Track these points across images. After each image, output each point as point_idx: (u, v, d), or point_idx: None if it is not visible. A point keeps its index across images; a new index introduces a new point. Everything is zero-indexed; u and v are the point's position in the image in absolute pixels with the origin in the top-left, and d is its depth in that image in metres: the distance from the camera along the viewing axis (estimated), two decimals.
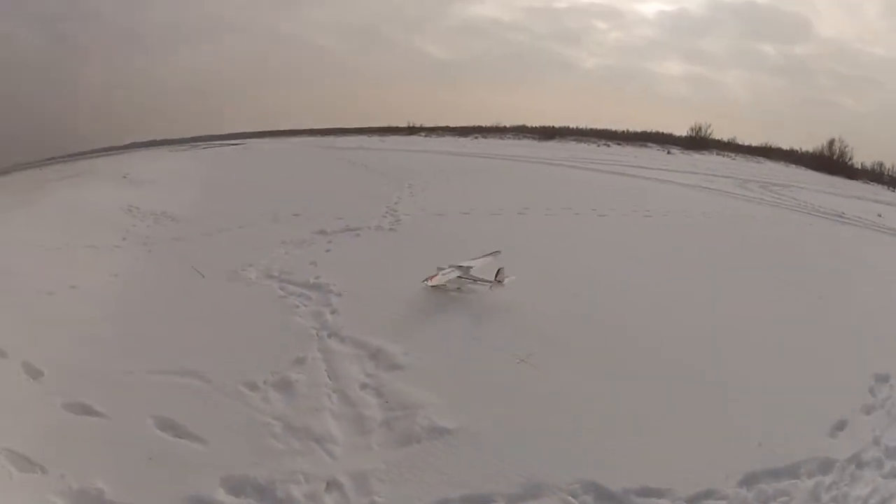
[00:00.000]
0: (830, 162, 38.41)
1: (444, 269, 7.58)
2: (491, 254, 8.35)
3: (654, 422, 4.86)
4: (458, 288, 7.67)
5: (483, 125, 49.16)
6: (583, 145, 40.99)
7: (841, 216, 16.14)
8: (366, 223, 11.72)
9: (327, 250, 9.80)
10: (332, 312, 7.04)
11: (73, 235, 10.70)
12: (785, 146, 42.20)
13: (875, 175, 36.57)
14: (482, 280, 7.57)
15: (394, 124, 50.00)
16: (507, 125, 48.76)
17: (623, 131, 46.14)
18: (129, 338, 6.43)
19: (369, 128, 48.20)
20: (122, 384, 5.38)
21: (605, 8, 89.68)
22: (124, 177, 18.35)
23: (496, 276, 7.43)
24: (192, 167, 22.84)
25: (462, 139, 43.34)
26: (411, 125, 50.01)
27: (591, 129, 46.06)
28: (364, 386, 5.38)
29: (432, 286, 7.49)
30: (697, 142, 42.54)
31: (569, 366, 5.71)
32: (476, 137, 45.15)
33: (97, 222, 11.92)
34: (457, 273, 7.57)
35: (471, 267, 7.75)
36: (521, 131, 47.44)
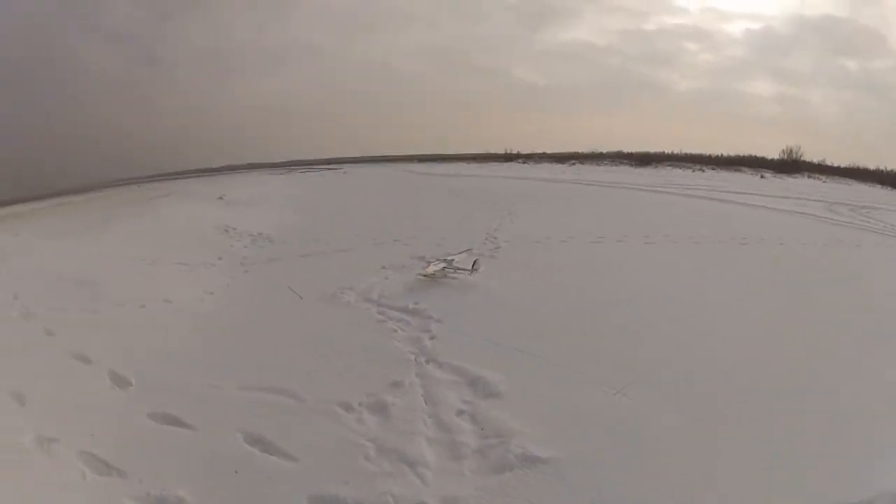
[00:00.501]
0: None
1: (431, 261, 9.90)
2: (466, 251, 11.00)
3: (736, 455, 4.56)
4: (444, 276, 9.40)
5: (580, 151, 50.62)
6: (678, 171, 42.44)
7: None
8: (466, 249, 11.75)
9: None
10: (431, 338, 7.02)
11: (167, 252, 11.40)
12: (871, 165, 42.89)
13: None
14: (462, 269, 9.47)
15: (491, 151, 51.58)
16: (604, 151, 50.01)
17: (716, 156, 47.27)
18: (221, 354, 6.68)
19: (467, 154, 49.59)
20: (212, 398, 5.55)
21: (693, 29, 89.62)
22: (220, 198, 19.46)
23: (473, 266, 9.50)
24: (289, 190, 24.03)
25: (559, 166, 45.14)
26: (508, 152, 51.34)
27: (686, 154, 47.69)
28: (460, 412, 5.30)
29: (425, 276, 9.33)
30: (789, 165, 43.37)
31: (662, 400, 5.42)
32: (573, 164, 46.40)
33: (193, 241, 12.67)
34: (443, 264, 9.59)
35: (453, 259, 9.90)
36: (618, 157, 48.61)
